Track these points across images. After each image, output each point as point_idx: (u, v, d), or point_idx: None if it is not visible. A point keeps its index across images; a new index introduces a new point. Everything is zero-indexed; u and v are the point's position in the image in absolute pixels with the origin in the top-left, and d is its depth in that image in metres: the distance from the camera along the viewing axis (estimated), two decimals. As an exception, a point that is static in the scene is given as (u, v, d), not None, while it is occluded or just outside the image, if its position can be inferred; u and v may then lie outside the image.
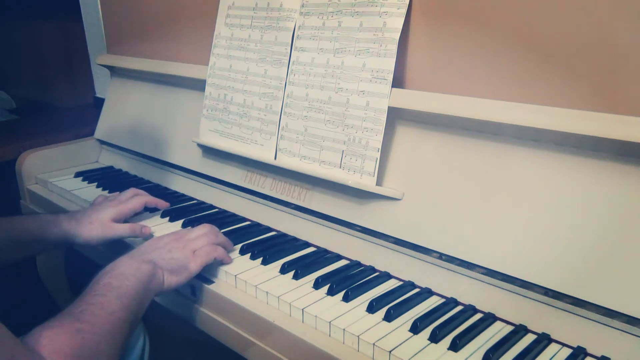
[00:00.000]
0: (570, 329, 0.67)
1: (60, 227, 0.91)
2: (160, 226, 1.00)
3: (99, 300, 0.67)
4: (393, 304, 0.74)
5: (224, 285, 0.82)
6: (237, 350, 0.79)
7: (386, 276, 0.83)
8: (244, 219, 1.04)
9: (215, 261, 0.84)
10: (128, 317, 0.68)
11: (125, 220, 0.97)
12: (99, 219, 0.94)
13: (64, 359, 0.58)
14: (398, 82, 0.85)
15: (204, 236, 0.85)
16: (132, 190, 1.02)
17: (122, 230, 0.94)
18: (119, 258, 0.77)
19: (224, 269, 0.84)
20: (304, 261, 0.86)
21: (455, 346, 0.65)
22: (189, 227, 0.92)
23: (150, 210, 1.06)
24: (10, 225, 0.89)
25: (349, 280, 0.80)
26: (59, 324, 0.61)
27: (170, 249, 0.81)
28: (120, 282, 0.71)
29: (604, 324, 0.65)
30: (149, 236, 0.95)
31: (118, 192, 1.03)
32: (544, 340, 0.67)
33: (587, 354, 0.65)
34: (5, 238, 0.87)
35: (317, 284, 0.79)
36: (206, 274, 0.84)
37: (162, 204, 1.04)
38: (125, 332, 0.68)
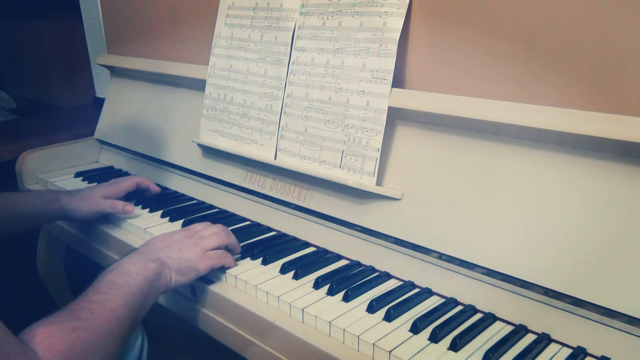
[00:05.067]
0: (570, 329, 0.67)
1: (59, 204, 1.01)
2: (160, 226, 1.00)
3: (101, 298, 0.67)
4: (393, 304, 0.74)
5: (224, 285, 0.82)
6: (237, 350, 0.79)
7: (386, 276, 0.83)
8: (244, 219, 1.04)
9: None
10: (129, 316, 0.68)
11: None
12: (91, 195, 1.04)
13: (58, 356, 0.58)
14: (398, 82, 0.85)
15: (215, 235, 0.84)
16: (130, 177, 1.12)
17: (105, 205, 1.03)
18: (126, 255, 0.77)
19: (224, 269, 0.84)
20: (304, 261, 0.86)
21: (455, 346, 0.65)
22: (203, 222, 0.89)
23: (150, 209, 1.07)
24: (15, 200, 0.98)
25: (349, 280, 0.80)
26: (56, 321, 0.61)
27: (181, 247, 0.81)
28: (124, 280, 0.70)
29: (604, 324, 0.64)
30: (130, 214, 1.03)
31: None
32: (544, 340, 0.67)
33: (587, 354, 0.65)
34: (11, 211, 0.95)
35: (317, 284, 0.79)
36: (207, 274, 0.83)
37: (154, 187, 1.13)
38: (125, 331, 0.68)
